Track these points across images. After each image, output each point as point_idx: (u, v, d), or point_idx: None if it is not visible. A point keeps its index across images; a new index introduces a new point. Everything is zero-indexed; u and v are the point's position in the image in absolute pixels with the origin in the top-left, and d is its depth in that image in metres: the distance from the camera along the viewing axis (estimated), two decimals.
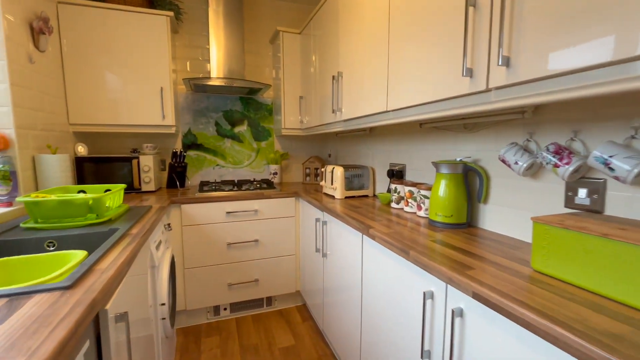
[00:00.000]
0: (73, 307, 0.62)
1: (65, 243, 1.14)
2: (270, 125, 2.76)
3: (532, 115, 1.02)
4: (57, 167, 1.61)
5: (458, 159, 1.27)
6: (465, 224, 1.24)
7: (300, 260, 2.28)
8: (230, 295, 2.13)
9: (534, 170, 1.01)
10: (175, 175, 2.33)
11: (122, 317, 0.81)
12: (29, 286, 0.69)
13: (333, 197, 1.98)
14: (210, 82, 2.16)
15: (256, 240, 2.16)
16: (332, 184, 1.99)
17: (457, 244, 1.03)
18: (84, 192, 1.50)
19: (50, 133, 1.74)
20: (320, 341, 1.95)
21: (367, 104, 1.51)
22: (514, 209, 1.10)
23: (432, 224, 1.29)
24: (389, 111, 1.34)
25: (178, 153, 2.34)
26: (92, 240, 1.16)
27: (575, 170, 0.86)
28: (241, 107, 2.65)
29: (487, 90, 0.84)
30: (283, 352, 1.84)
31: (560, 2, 0.67)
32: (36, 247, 1.11)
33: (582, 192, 0.88)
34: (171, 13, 2.08)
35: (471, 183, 1.30)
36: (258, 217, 2.14)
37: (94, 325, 0.70)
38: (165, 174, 2.48)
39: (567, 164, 0.86)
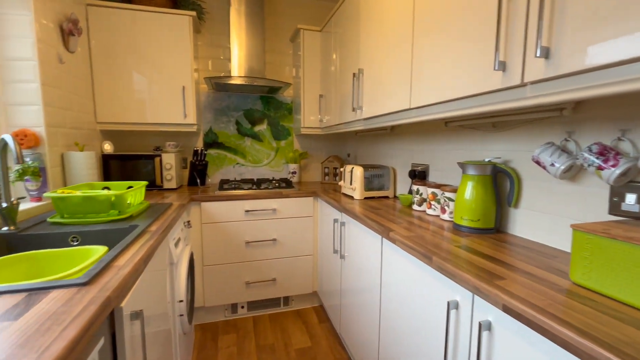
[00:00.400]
0: (87, 305, 0.62)
1: (88, 238, 1.16)
2: (289, 124, 2.75)
3: (572, 113, 0.93)
4: (84, 164, 1.66)
5: (486, 160, 1.19)
6: (494, 229, 1.17)
7: (317, 260, 2.25)
8: (247, 294, 2.14)
9: (573, 172, 0.93)
10: (196, 173, 2.37)
11: (138, 315, 0.81)
12: (47, 282, 0.69)
13: (352, 197, 1.93)
14: (231, 81, 2.17)
15: (274, 240, 2.15)
16: (351, 184, 1.94)
17: (485, 250, 0.96)
18: (108, 188, 1.54)
19: (78, 131, 1.80)
20: (337, 344, 1.91)
21: (388, 101, 1.45)
22: (549, 215, 1.02)
23: (457, 228, 1.21)
24: (412, 109, 1.28)
25: (199, 151, 2.37)
26: (113, 236, 1.18)
27: (623, 174, 0.77)
28: (261, 106, 2.65)
29: (522, 84, 0.77)
30: (299, 353, 1.82)
31: None
32: (61, 241, 1.14)
33: (631, 198, 0.79)
34: (194, 13, 2.10)
35: (500, 186, 1.22)
36: (276, 216, 2.13)
37: (109, 322, 0.70)
38: (186, 172, 2.52)
39: (613, 166, 0.78)
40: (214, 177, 2.60)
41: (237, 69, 2.30)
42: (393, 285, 1.19)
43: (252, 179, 2.62)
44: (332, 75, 2.22)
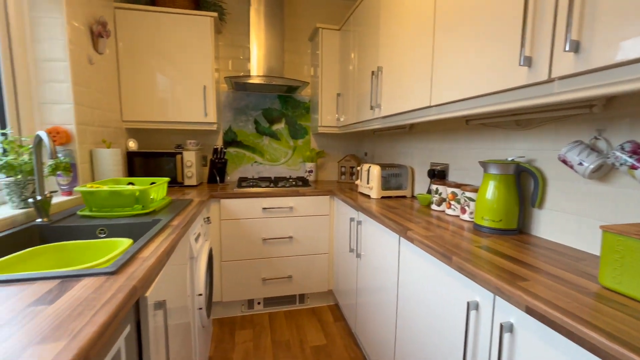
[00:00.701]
0: (115, 292, 0.64)
1: (114, 231, 1.21)
2: (307, 123, 2.76)
3: (603, 110, 0.89)
4: (111, 160, 1.73)
5: (509, 159, 1.16)
6: (516, 230, 1.13)
7: (333, 259, 2.26)
8: (264, 290, 2.17)
9: (602, 172, 0.89)
10: (216, 171, 2.42)
11: (161, 305, 0.83)
12: (78, 270, 0.73)
13: (369, 196, 1.92)
14: (250, 80, 2.21)
15: (290, 237, 2.17)
16: (367, 183, 1.93)
17: (507, 251, 0.94)
18: (132, 184, 1.60)
19: (105, 129, 1.88)
20: (352, 343, 1.91)
21: (408, 99, 1.43)
22: (576, 216, 0.98)
23: (477, 229, 1.19)
24: (432, 106, 1.26)
25: (219, 149, 2.42)
26: (137, 229, 1.23)
27: None
28: (279, 105, 2.68)
29: (550, 80, 0.75)
30: (314, 350, 1.83)
31: None
32: (89, 233, 1.19)
33: None
34: (215, 14, 2.15)
35: (524, 185, 1.18)
36: (293, 214, 2.15)
37: (134, 311, 0.73)
38: (206, 170, 2.58)
39: None
40: (232, 175, 2.65)
41: (256, 68, 2.33)
42: (410, 285, 1.18)
43: (270, 177, 2.65)
44: (350, 73, 2.22)
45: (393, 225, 1.28)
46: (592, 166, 0.87)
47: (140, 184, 1.63)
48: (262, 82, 2.23)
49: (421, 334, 1.10)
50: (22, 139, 1.34)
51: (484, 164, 1.18)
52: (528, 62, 0.79)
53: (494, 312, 0.77)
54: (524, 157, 1.17)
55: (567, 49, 0.67)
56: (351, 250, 1.83)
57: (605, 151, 0.89)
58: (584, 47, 0.66)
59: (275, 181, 2.43)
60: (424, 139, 1.86)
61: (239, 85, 2.35)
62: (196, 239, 1.47)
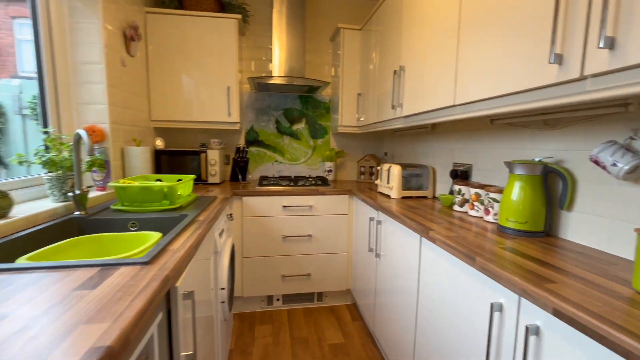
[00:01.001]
0: (150, 281, 0.68)
1: (144, 224, 1.27)
2: (327, 123, 2.78)
3: (639, 109, 0.85)
4: (140, 158, 1.82)
5: (537, 159, 1.13)
6: (543, 232, 1.10)
7: (352, 258, 2.26)
8: (283, 287, 2.20)
9: (638, 173, 0.85)
10: (238, 169, 2.48)
11: (189, 295, 0.87)
12: (116, 259, 0.78)
13: (388, 196, 1.92)
14: (272, 81, 2.25)
15: (310, 235, 2.19)
16: (388, 182, 1.93)
17: (533, 253, 0.92)
18: (160, 180, 1.67)
19: (135, 128, 1.97)
20: (369, 342, 1.91)
21: (431, 98, 1.42)
22: (609, 219, 0.94)
23: (501, 230, 1.16)
24: (456, 105, 1.25)
25: (241, 149, 2.48)
26: (166, 223, 1.28)
27: None
28: (300, 105, 2.71)
29: (582, 78, 0.73)
30: (332, 348, 1.84)
31: None
32: (122, 226, 1.26)
33: None
34: (239, 16, 2.20)
35: (552, 187, 1.15)
36: (312, 213, 2.17)
37: (165, 300, 0.77)
38: (228, 168, 2.65)
39: None
40: (254, 174, 2.70)
41: (278, 69, 2.37)
42: (431, 285, 1.17)
43: (290, 176, 2.68)
44: (371, 73, 2.21)
45: (414, 225, 1.27)
46: (627, 167, 0.83)
47: (168, 180, 1.69)
48: (283, 82, 2.27)
49: (442, 335, 1.09)
50: (62, 137, 1.43)
51: (510, 165, 1.15)
52: (559, 59, 0.77)
53: (519, 314, 0.76)
54: (552, 157, 1.14)
55: (601, 45, 0.65)
56: (370, 250, 1.83)
57: None
58: (620, 43, 0.64)
59: (295, 180, 2.46)
60: (446, 138, 1.83)
61: (261, 85, 2.39)
62: (220, 235, 1.52)
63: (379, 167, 2.10)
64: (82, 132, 1.14)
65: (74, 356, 0.43)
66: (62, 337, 0.47)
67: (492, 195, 1.29)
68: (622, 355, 0.52)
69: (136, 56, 1.98)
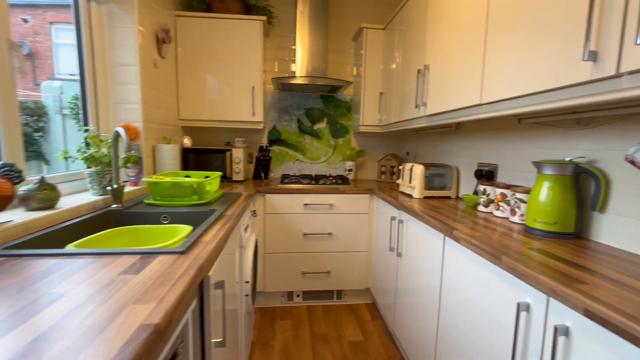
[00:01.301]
0: (187, 268, 0.73)
1: (175, 218, 1.34)
2: (348, 122, 2.80)
3: None
4: (170, 155, 1.90)
5: (567, 159, 1.10)
6: (573, 234, 1.07)
7: (372, 257, 2.27)
8: (303, 283, 2.24)
9: None
10: (261, 168, 2.54)
11: (220, 284, 0.92)
12: (154, 248, 0.83)
13: (410, 196, 1.91)
14: (295, 81, 2.29)
15: (330, 233, 2.21)
16: (410, 182, 1.92)
17: (562, 254, 0.90)
18: (188, 177, 1.74)
19: (165, 127, 2.06)
20: (389, 342, 1.91)
21: (456, 97, 1.41)
22: None
23: (528, 231, 1.14)
24: (482, 104, 1.23)
25: (264, 147, 2.54)
26: (195, 217, 1.34)
27: None
28: (322, 105, 2.74)
29: (618, 75, 0.71)
30: (352, 346, 1.86)
31: None
32: (155, 219, 1.33)
33: None
34: (264, 17, 2.26)
35: (583, 188, 1.11)
36: (333, 211, 2.20)
37: (198, 288, 0.82)
38: (251, 166, 2.72)
39: None
40: (276, 172, 2.76)
41: (301, 69, 2.41)
42: (455, 285, 1.16)
43: (311, 175, 2.72)
44: (393, 72, 2.21)
45: (437, 224, 1.27)
46: None
47: (196, 177, 1.77)
48: (306, 82, 2.31)
49: (465, 335, 1.09)
50: (101, 134, 1.52)
51: (538, 164, 1.13)
52: (593, 56, 0.76)
53: (547, 315, 0.75)
54: (584, 157, 1.11)
55: (638, 42, 0.63)
56: (391, 249, 1.83)
57: None
58: None
59: (316, 179, 2.49)
60: (471, 138, 1.80)
61: (285, 85, 2.44)
62: (245, 230, 1.57)
63: (400, 167, 2.10)
64: (121, 130, 1.22)
65: (127, 331, 0.48)
66: (114, 315, 0.52)
67: (519, 195, 1.27)
68: None
69: (167, 58, 2.07)
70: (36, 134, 1.86)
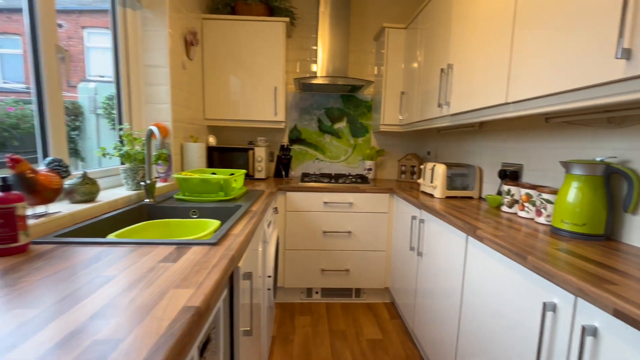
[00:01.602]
0: (220, 258, 0.77)
1: (203, 212, 1.40)
2: (368, 122, 2.80)
3: None
4: (196, 153, 1.98)
5: (598, 159, 1.07)
6: (603, 236, 1.05)
7: (391, 257, 2.27)
8: (322, 281, 2.27)
9: None
10: (282, 166, 2.59)
11: (248, 275, 0.96)
12: (188, 239, 0.89)
13: (432, 195, 1.90)
14: (316, 81, 2.32)
15: (349, 232, 2.23)
16: (431, 182, 1.91)
17: (591, 255, 0.88)
18: (214, 174, 1.81)
19: (192, 126, 2.14)
20: (408, 341, 1.91)
21: (481, 96, 1.40)
22: None
23: (555, 232, 1.12)
24: (509, 103, 1.22)
25: (285, 146, 2.59)
26: (222, 212, 1.40)
27: None
28: (342, 104, 2.76)
29: None
30: (370, 343, 1.87)
31: None
32: (184, 213, 1.40)
33: None
34: (287, 19, 2.30)
35: (615, 188, 1.08)
36: (352, 210, 2.21)
37: (229, 279, 0.86)
38: (272, 165, 2.77)
39: None
40: (296, 171, 2.80)
41: (322, 69, 2.44)
42: (477, 285, 1.16)
43: (330, 174, 2.75)
44: (415, 71, 2.20)
45: (460, 223, 1.26)
46: None
47: (221, 174, 1.83)
48: (327, 82, 2.33)
49: (487, 335, 1.08)
50: (135, 132, 1.61)
51: (567, 164, 1.11)
52: (627, 54, 0.74)
53: (574, 315, 0.74)
54: (616, 157, 1.08)
55: None
56: (412, 249, 1.83)
57: None
58: None
59: (336, 177, 2.51)
60: (495, 137, 1.78)
61: (306, 85, 2.48)
62: (268, 226, 1.62)
63: (421, 166, 2.09)
64: (155, 129, 1.29)
65: (172, 312, 0.52)
66: (159, 297, 0.57)
67: (545, 196, 1.24)
68: None
69: (194, 59, 2.15)
70: (73, 133, 1.99)
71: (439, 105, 1.76)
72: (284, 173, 2.59)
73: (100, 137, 2.07)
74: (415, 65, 2.19)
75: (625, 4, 0.74)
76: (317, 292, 2.34)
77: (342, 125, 2.79)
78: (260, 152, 2.41)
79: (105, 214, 1.17)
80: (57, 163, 1.03)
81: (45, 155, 1.19)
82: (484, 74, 1.38)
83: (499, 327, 1.03)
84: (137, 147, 1.48)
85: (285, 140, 2.77)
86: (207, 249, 0.83)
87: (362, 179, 2.50)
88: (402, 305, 2.05)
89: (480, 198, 1.87)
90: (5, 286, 0.59)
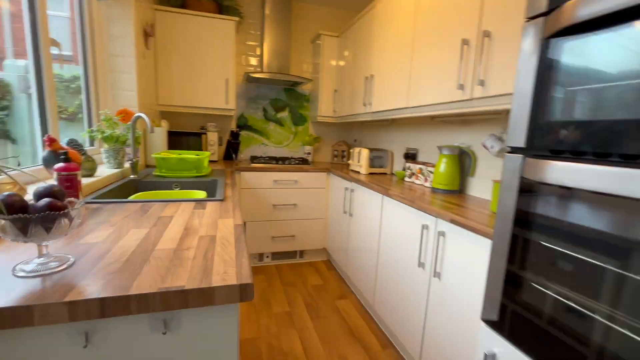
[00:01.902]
0: (233, 208, 1.17)
1: (184, 186, 1.71)
2: (306, 113, 3.28)
3: (505, 116, 1.50)
4: (160, 137, 2.19)
5: (456, 144, 1.76)
6: (458, 190, 1.74)
7: (328, 223, 2.83)
8: (272, 246, 2.71)
9: (503, 153, 1.50)
10: (232, 150, 2.90)
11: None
12: (202, 198, 1.25)
13: (358, 172, 2.50)
14: (262, 76, 2.68)
15: (294, 204, 2.71)
16: (358, 162, 2.51)
17: (450, 200, 1.54)
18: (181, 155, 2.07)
19: (150, 111, 2.31)
20: (342, 283, 2.51)
21: (392, 100, 2.00)
22: (488, 179, 1.60)
23: (434, 191, 1.79)
24: (408, 107, 1.83)
25: (235, 132, 2.90)
26: (202, 185, 1.73)
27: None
28: (284, 96, 3.17)
29: (471, 99, 1.33)
30: (314, 288, 2.42)
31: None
32: (167, 186, 1.68)
33: None
34: (238, 19, 2.59)
35: (464, 162, 1.79)
36: (297, 187, 2.69)
37: None
38: (222, 148, 3.05)
39: None
40: (244, 154, 3.13)
41: (266, 65, 2.80)
42: (389, 226, 1.77)
43: (276, 157, 3.16)
44: (346, 74, 2.75)
45: (378, 188, 1.86)
46: (497, 149, 1.47)
47: (187, 155, 2.10)
48: (272, 77, 2.72)
49: (393, 253, 1.70)
50: (114, 118, 1.78)
51: (440, 148, 1.77)
52: (461, 87, 1.37)
53: (436, 228, 1.37)
54: (464, 143, 1.78)
55: (477, 83, 1.25)
56: (344, 212, 2.41)
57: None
58: (487, 83, 1.25)
59: (282, 160, 2.95)
60: (402, 130, 2.44)
61: (252, 78, 2.81)
62: None
63: (351, 150, 2.67)
64: (144, 115, 1.54)
65: (230, 227, 0.93)
66: (215, 221, 0.97)
67: (429, 169, 1.91)
68: (484, 236, 1.13)
69: (150, 50, 2.30)
70: (0, 112, 2.00)
71: (364, 104, 2.34)
72: (234, 156, 2.91)
73: (33, 119, 2.11)
74: (346, 69, 2.74)
75: (460, 62, 1.36)
76: (267, 257, 2.78)
77: (284, 114, 3.21)
78: (212, 137, 2.68)
79: (106, 186, 1.41)
80: (75, 142, 1.25)
81: None
82: (394, 82, 1.98)
83: (399, 245, 1.65)
84: (117, 131, 1.69)
85: (233, 126, 3.07)
86: (219, 204, 1.22)
87: (304, 161, 2.99)
88: (337, 259, 2.64)
89: (392, 174, 2.54)
90: (104, 222, 0.91)
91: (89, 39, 1.78)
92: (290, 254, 2.84)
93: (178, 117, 2.89)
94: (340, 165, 3.04)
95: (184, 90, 2.58)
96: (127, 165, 1.83)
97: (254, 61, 3.03)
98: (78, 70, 1.79)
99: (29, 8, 1.28)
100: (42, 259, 0.61)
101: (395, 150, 2.53)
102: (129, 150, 1.94)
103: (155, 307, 0.55)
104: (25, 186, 0.96)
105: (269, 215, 2.66)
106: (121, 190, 1.45)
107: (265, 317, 2.00)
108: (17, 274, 0.58)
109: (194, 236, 0.83)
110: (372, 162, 2.47)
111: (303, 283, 2.48)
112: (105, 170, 1.57)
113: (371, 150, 2.46)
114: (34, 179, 1.15)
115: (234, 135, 2.91)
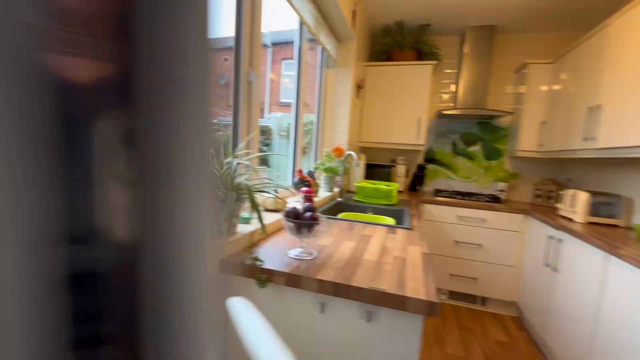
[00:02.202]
0: (420, 236, 1.32)
1: (376, 211, 2.01)
2: (502, 146, 3.01)
3: None
4: (360, 168, 2.66)
5: None
6: None
7: (521, 274, 2.44)
8: (450, 284, 2.62)
9: None
10: (417, 182, 3.07)
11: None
12: (393, 225, 1.47)
13: (571, 219, 2.06)
14: (456, 112, 2.72)
15: (480, 245, 2.53)
16: (572, 207, 2.07)
17: None
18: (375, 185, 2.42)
19: (352, 147, 2.85)
20: (534, 347, 2.09)
21: (631, 135, 1.59)
22: None
23: None
24: None
25: (422, 165, 3.06)
26: (391, 213, 1.98)
27: None
28: (477, 130, 3.06)
29: None
30: (498, 344, 2.14)
31: None
32: (363, 210, 2.03)
33: None
34: (435, 62, 2.80)
35: None
36: (484, 226, 2.51)
37: None
38: (408, 180, 3.27)
39: None
40: (428, 186, 3.23)
41: (461, 100, 2.82)
42: (615, 293, 1.39)
43: (462, 192, 3.06)
44: (560, 104, 2.37)
45: (600, 244, 1.50)
46: None
47: (380, 186, 2.44)
48: (467, 113, 2.71)
49: (621, 331, 1.31)
50: (332, 153, 2.36)
51: None
52: None
53: None
54: None
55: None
56: (546, 265, 2.03)
57: None
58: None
59: (468, 195, 2.83)
60: None
61: (444, 114, 2.90)
62: None
63: (560, 192, 2.24)
64: (353, 153, 1.97)
65: (418, 253, 1.08)
66: (405, 245, 1.14)
67: None
68: None
69: (359, 98, 2.86)
70: (264, 147, 2.94)
71: (585, 139, 1.95)
72: (418, 188, 3.06)
73: (288, 153, 2.96)
74: (560, 98, 2.36)
75: None
76: (444, 294, 2.70)
77: (475, 148, 3.08)
78: (401, 169, 2.95)
79: (323, 205, 1.89)
80: (312, 173, 1.78)
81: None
82: (635, 113, 1.57)
83: (634, 325, 1.26)
84: (332, 164, 2.21)
85: (421, 160, 3.24)
86: (407, 232, 1.39)
87: (495, 198, 2.75)
88: (531, 318, 2.22)
89: (628, 227, 1.93)
90: (326, 232, 1.27)
91: (322, 96, 2.45)
92: (470, 298, 2.64)
93: (373, 151, 3.36)
94: (544, 208, 2.58)
95: (380, 129, 3.00)
96: (335, 190, 2.35)
97: (445, 97, 3.12)
98: (312, 117, 2.49)
99: (297, 79, 1.95)
100: (301, 249, 0.98)
101: (637, 197, 1.92)
102: (338, 178, 2.48)
103: (366, 299, 0.77)
104: (286, 200, 1.48)
105: (449, 251, 2.61)
106: (333, 209, 1.90)
107: (438, 354, 1.97)
108: (290, 255, 0.96)
109: (389, 255, 1.03)
110: (595, 209, 1.98)
111: (483, 334, 2.25)
112: (322, 193, 2.10)
113: (594, 194, 1.99)
114: (289, 195, 1.73)
115: (420, 168, 3.07)
